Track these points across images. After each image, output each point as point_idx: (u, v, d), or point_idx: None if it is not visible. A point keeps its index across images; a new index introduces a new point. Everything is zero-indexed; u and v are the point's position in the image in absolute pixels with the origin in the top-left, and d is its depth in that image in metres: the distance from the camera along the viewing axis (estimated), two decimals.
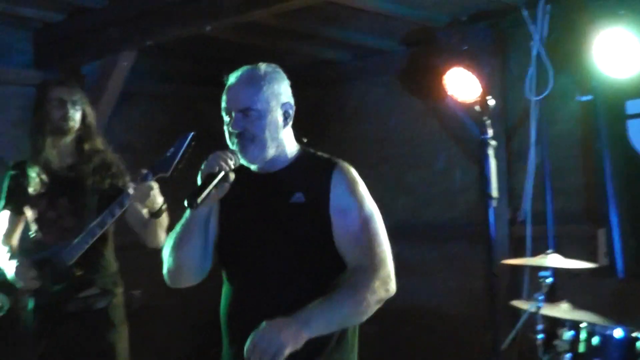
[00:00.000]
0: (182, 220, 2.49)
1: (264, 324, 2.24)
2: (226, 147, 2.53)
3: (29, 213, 3.74)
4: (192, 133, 3.40)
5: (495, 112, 4.61)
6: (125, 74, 5.67)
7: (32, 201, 3.70)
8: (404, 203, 6.71)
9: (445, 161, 6.42)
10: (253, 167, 2.52)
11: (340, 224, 2.40)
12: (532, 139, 5.48)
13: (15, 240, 3.83)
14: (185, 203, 2.35)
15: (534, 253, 4.93)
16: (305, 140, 2.65)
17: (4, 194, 3.82)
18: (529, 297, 4.19)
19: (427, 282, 6.44)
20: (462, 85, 5.39)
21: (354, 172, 2.52)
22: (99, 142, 3.76)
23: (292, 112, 2.56)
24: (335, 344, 2.43)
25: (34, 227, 3.74)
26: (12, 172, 3.79)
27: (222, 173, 2.35)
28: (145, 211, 3.56)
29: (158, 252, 3.90)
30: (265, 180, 2.53)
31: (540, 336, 4.01)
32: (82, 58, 5.93)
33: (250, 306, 2.43)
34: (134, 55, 5.62)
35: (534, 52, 5.39)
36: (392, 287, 2.42)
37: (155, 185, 3.42)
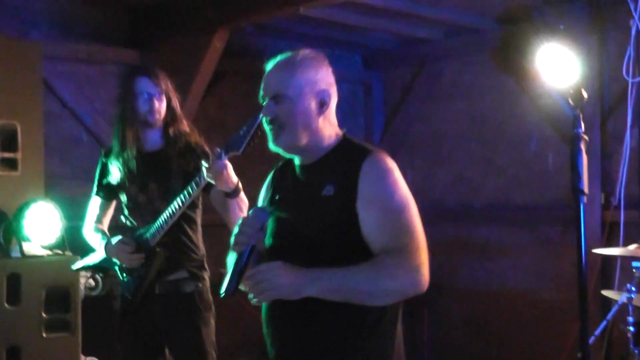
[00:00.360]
0: None
1: (278, 262, 2.23)
2: None
3: (122, 198, 3.84)
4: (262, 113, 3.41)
5: (592, 93, 4.50)
6: (219, 53, 5.75)
7: (122, 187, 3.80)
8: (494, 184, 6.66)
9: (538, 142, 6.32)
10: (296, 160, 2.46)
11: (367, 214, 2.26)
12: (629, 121, 5.34)
13: (106, 225, 3.94)
14: (222, 294, 2.32)
15: (628, 240, 4.82)
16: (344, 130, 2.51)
17: (95, 181, 3.94)
18: (621, 287, 4.11)
19: (517, 265, 6.38)
20: (557, 65, 5.27)
21: (386, 162, 2.34)
22: (184, 126, 3.82)
23: (330, 100, 2.42)
24: (368, 333, 2.31)
25: (125, 212, 3.84)
26: (103, 160, 3.90)
27: (248, 252, 2.28)
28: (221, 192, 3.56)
29: None
30: (303, 172, 2.46)
31: (631, 328, 3.93)
32: (178, 38, 6.04)
33: (280, 300, 2.34)
34: (227, 36, 5.70)
35: (633, 31, 5.24)
36: (421, 281, 2.21)
37: (228, 164, 3.44)
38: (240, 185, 3.53)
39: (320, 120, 2.40)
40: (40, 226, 4.19)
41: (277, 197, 2.49)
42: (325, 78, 2.44)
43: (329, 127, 2.43)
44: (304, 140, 2.37)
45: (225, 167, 3.39)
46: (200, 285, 3.74)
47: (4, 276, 4.01)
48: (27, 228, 4.16)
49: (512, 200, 6.51)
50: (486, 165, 6.72)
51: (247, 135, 3.32)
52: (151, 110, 3.71)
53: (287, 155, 2.46)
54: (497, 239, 6.61)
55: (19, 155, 4.28)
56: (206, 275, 3.81)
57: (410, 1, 5.82)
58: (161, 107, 3.73)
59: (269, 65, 2.46)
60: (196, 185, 3.49)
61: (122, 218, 3.88)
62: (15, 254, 4.15)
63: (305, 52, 2.47)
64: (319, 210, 2.33)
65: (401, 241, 2.23)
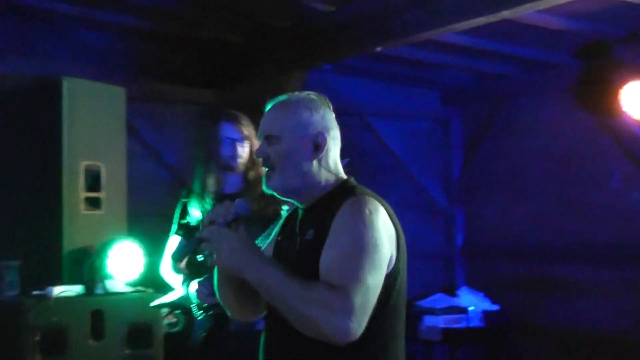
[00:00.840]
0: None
1: (234, 234, 2.23)
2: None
3: None
4: (346, 159, 3.44)
5: None
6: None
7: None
8: (574, 222, 6.53)
9: (620, 180, 6.19)
10: (297, 204, 2.42)
11: (325, 250, 2.19)
12: None
13: (184, 263, 4.01)
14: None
15: None
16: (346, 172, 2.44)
17: (175, 219, 4.03)
18: None
19: (602, 305, 6.23)
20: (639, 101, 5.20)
21: (363, 204, 2.22)
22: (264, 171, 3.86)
23: (324, 144, 2.33)
24: None
25: (203, 252, 3.89)
26: (184, 200, 3.99)
27: (202, 248, 2.27)
28: None
29: None
30: (299, 217, 2.42)
31: None
32: (256, 78, 6.14)
33: (268, 340, 2.38)
34: (304, 75, 5.77)
35: None
36: (344, 328, 2.06)
37: None
38: None
39: (314, 163, 2.33)
40: (123, 263, 4.29)
41: (279, 239, 2.48)
42: (321, 121, 2.36)
43: (325, 172, 2.36)
44: (295, 182, 2.32)
45: None
46: None
47: (88, 312, 4.10)
48: (110, 265, 4.25)
49: (594, 238, 6.37)
50: (566, 202, 6.60)
51: None
52: (233, 155, 3.78)
53: (282, 198, 2.42)
54: (579, 278, 6.47)
55: (102, 195, 4.38)
56: None
57: (487, 38, 5.80)
58: (243, 152, 3.80)
59: (268, 106, 2.42)
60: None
61: (200, 257, 3.94)
62: (99, 290, 4.24)
63: (303, 94, 2.42)
64: (300, 254, 2.30)
65: (343, 282, 2.10)
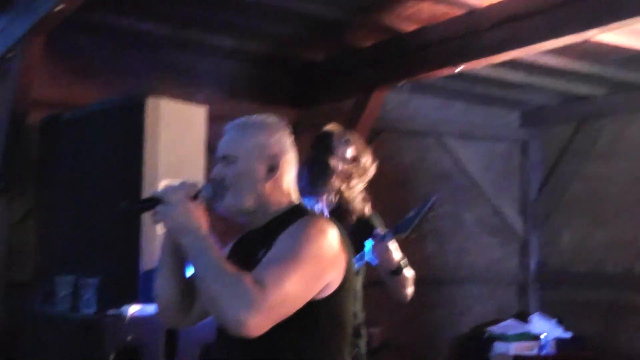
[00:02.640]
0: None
1: (187, 204, 2.20)
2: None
3: None
4: (434, 197, 3.40)
5: None
6: (376, 112, 5.80)
7: None
8: None
9: None
10: (248, 224, 2.43)
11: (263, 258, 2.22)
12: None
13: None
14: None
15: None
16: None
17: None
18: None
19: None
20: None
21: (311, 224, 2.23)
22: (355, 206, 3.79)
23: (279, 166, 2.35)
24: None
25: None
26: None
27: (152, 202, 2.24)
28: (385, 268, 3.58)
29: None
30: (249, 237, 2.43)
31: None
32: (337, 97, 6.14)
33: (218, 354, 2.40)
34: (384, 94, 5.74)
35: None
36: (245, 320, 2.03)
37: (392, 247, 3.45)
38: (403, 263, 3.52)
39: (268, 185, 2.34)
40: None
41: (232, 260, 2.40)
42: (277, 144, 2.36)
43: (279, 194, 2.36)
44: (247, 203, 2.33)
45: (387, 250, 3.40)
46: (354, 351, 3.71)
47: (162, 332, 4.11)
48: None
49: None
50: None
51: (415, 218, 3.33)
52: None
53: (236, 219, 2.40)
54: None
55: None
56: (361, 342, 3.78)
57: (571, 58, 5.69)
58: (333, 186, 3.71)
59: (226, 127, 2.43)
60: (358, 261, 3.51)
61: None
62: None
63: (262, 116, 2.42)
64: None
65: (265, 281, 2.08)
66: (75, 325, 4.19)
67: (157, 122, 4.34)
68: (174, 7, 5.14)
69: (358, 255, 3.51)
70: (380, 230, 3.47)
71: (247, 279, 2.08)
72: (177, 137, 4.41)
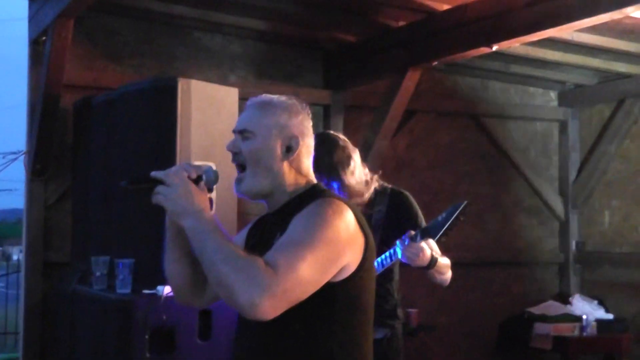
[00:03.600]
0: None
1: (189, 184, 2.17)
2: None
3: None
4: (465, 202, 3.37)
5: None
6: (410, 93, 5.75)
7: None
8: None
9: None
10: (266, 206, 2.38)
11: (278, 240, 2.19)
12: None
13: None
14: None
15: None
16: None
17: None
18: None
19: None
20: None
21: (326, 204, 2.21)
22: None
23: (297, 147, 2.32)
24: None
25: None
26: None
27: (152, 183, 2.20)
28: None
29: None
30: (266, 220, 2.40)
31: None
32: (370, 78, 6.09)
33: (239, 338, 2.34)
34: (418, 75, 5.69)
35: None
36: (257, 302, 1.99)
37: (424, 246, 3.43)
38: (435, 256, 3.50)
39: (285, 165, 2.32)
40: None
41: (249, 243, 2.43)
42: (298, 126, 2.34)
43: (296, 175, 2.34)
44: (265, 183, 2.30)
45: (420, 250, 3.39)
46: (389, 332, 3.71)
47: (196, 312, 4.14)
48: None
49: None
50: None
51: (445, 222, 3.30)
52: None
53: (255, 200, 2.37)
54: None
55: (213, 196, 4.40)
56: (397, 323, 3.77)
57: (609, 36, 5.59)
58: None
59: (247, 103, 2.40)
60: (389, 261, 3.51)
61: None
62: None
63: (284, 97, 2.40)
64: None
65: (278, 264, 2.04)
66: (111, 305, 4.24)
67: (189, 104, 4.36)
68: None
69: (389, 254, 3.51)
70: (410, 232, 3.45)
71: (259, 261, 2.05)
72: (209, 119, 4.42)
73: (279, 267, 2.04)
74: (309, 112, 2.41)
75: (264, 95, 2.43)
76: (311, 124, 2.40)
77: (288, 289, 2.05)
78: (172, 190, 2.16)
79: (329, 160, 3.49)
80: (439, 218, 3.33)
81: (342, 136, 3.67)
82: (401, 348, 3.76)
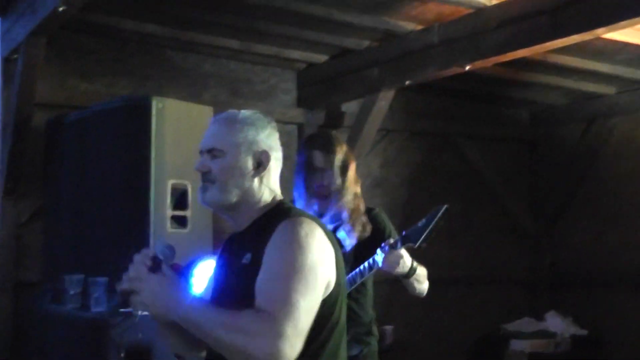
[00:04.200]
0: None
1: (158, 277, 2.14)
2: None
3: None
4: (445, 206, 3.38)
5: None
6: (383, 112, 5.78)
7: None
8: None
9: None
10: (232, 222, 2.39)
11: (260, 275, 2.14)
12: None
13: None
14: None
15: None
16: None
17: None
18: None
19: None
20: None
21: (298, 226, 2.18)
22: (353, 194, 3.78)
23: (267, 162, 2.32)
24: None
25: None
26: None
27: (123, 298, 2.19)
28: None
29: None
30: (234, 239, 2.39)
31: None
32: (343, 97, 6.11)
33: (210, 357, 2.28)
34: (392, 95, 5.72)
35: None
36: (274, 351, 2.00)
37: (404, 254, 3.44)
38: (414, 264, 3.52)
39: (256, 181, 2.31)
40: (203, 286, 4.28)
41: (218, 263, 2.44)
42: (266, 140, 2.33)
43: (266, 191, 2.34)
44: (233, 198, 2.30)
45: (400, 257, 3.40)
46: (365, 349, 3.70)
47: None
48: (195, 284, 4.24)
49: None
50: None
51: (425, 228, 3.31)
52: (327, 186, 3.69)
53: (219, 213, 2.38)
54: None
55: (188, 214, 4.40)
56: (372, 340, 3.76)
57: (581, 57, 5.66)
58: (337, 180, 3.70)
59: (212, 120, 2.39)
60: (369, 270, 3.51)
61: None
62: None
63: (250, 112, 2.40)
64: (236, 279, 2.26)
65: (272, 306, 2.05)
66: (86, 324, 4.21)
67: (163, 122, 4.35)
68: (176, 9, 5.16)
69: (368, 264, 3.51)
70: (390, 240, 3.46)
71: (253, 314, 2.05)
72: (183, 137, 4.41)
73: (276, 309, 2.04)
74: (274, 125, 2.39)
75: (229, 111, 2.42)
76: (277, 136, 2.39)
77: (294, 325, 2.05)
78: (145, 296, 2.14)
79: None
80: (419, 224, 3.34)
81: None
82: None
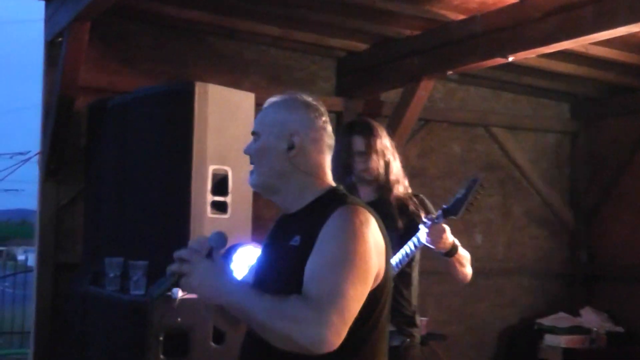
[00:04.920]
0: None
1: (210, 262, 2.15)
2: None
3: None
4: (480, 177, 3.38)
5: None
6: (423, 102, 5.76)
7: None
8: None
9: None
10: (281, 206, 2.40)
11: (309, 260, 2.14)
12: None
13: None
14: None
15: None
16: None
17: None
18: None
19: None
20: None
21: (352, 214, 2.18)
22: (397, 181, 3.79)
23: (299, 144, 2.30)
24: None
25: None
26: None
27: (173, 279, 2.18)
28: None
29: (446, 279, 3.93)
30: (283, 221, 2.41)
31: None
32: (382, 86, 6.10)
33: (247, 344, 2.34)
34: (432, 84, 5.70)
35: None
36: (318, 339, 2.01)
37: (447, 228, 3.45)
38: (457, 242, 3.52)
39: (289, 162, 2.31)
40: (247, 267, 4.30)
41: (265, 244, 2.46)
42: (298, 121, 2.32)
43: (304, 174, 2.32)
44: (269, 180, 2.32)
45: (443, 231, 3.39)
46: (408, 340, 3.70)
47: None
48: (234, 269, 4.26)
49: None
50: None
51: (465, 198, 3.31)
52: (367, 169, 3.71)
53: (267, 197, 2.39)
54: None
55: (228, 199, 4.42)
56: (416, 331, 3.77)
57: (623, 50, 5.59)
58: (378, 164, 3.72)
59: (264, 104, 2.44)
60: (414, 248, 3.51)
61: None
62: None
63: (289, 94, 2.40)
64: (282, 260, 2.27)
65: (319, 292, 2.05)
66: (125, 307, 4.23)
67: (205, 108, 4.36)
68: None
69: (412, 242, 3.52)
70: (431, 215, 3.47)
71: (299, 300, 2.06)
72: (225, 123, 4.43)
73: (324, 297, 2.06)
74: (312, 105, 2.37)
75: (278, 95, 2.43)
76: (321, 117, 2.37)
77: (340, 313, 2.05)
78: (193, 279, 2.15)
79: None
80: (458, 195, 3.35)
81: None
82: (419, 358, 3.75)
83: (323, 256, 2.13)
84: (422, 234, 3.46)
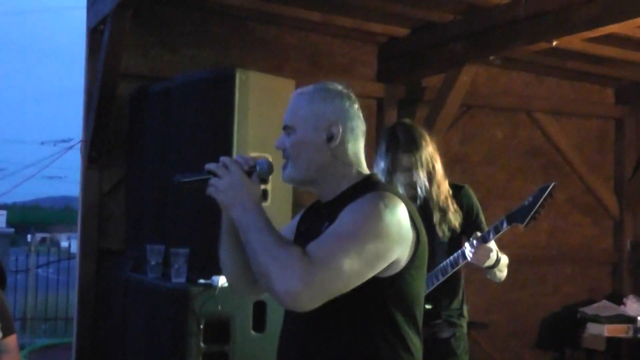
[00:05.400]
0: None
1: (241, 176, 2.17)
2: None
3: None
4: (553, 183, 3.32)
5: None
6: (466, 87, 5.70)
7: None
8: None
9: None
10: (318, 195, 2.36)
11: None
12: None
13: None
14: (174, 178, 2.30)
15: None
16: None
17: None
18: None
19: None
20: None
21: (379, 199, 2.15)
22: (440, 189, 3.71)
23: (338, 134, 2.26)
24: None
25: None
26: None
27: (205, 175, 2.21)
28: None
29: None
30: (317, 210, 2.36)
31: None
32: (424, 72, 6.05)
33: (285, 332, 2.32)
34: (474, 70, 5.63)
35: None
36: (290, 289, 2.00)
37: (493, 247, 3.40)
38: (499, 255, 3.48)
39: (329, 154, 2.27)
40: None
41: (300, 229, 2.42)
42: (335, 111, 2.28)
43: (342, 164, 2.29)
44: (308, 174, 2.28)
45: (490, 251, 3.37)
46: (457, 332, 3.68)
47: (251, 303, 4.14)
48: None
49: None
50: None
51: (533, 206, 3.25)
52: (410, 182, 3.61)
53: (301, 188, 2.39)
54: None
55: (269, 187, 4.41)
56: (463, 322, 3.74)
57: None
58: (421, 180, 3.62)
59: (291, 96, 2.37)
60: (456, 264, 3.50)
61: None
62: None
63: (322, 83, 2.34)
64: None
65: (316, 253, 2.03)
66: (166, 294, 4.25)
67: (246, 94, 4.36)
68: None
69: (458, 256, 3.48)
70: (477, 234, 3.42)
71: (298, 251, 2.04)
72: (265, 110, 4.41)
73: (318, 258, 2.04)
74: (346, 94, 2.34)
75: (305, 86, 2.37)
76: (354, 107, 2.33)
77: (326, 280, 2.04)
78: (223, 183, 2.17)
79: None
80: (525, 202, 3.29)
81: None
82: (468, 349, 3.73)
83: (336, 226, 2.12)
84: (468, 251, 3.41)
